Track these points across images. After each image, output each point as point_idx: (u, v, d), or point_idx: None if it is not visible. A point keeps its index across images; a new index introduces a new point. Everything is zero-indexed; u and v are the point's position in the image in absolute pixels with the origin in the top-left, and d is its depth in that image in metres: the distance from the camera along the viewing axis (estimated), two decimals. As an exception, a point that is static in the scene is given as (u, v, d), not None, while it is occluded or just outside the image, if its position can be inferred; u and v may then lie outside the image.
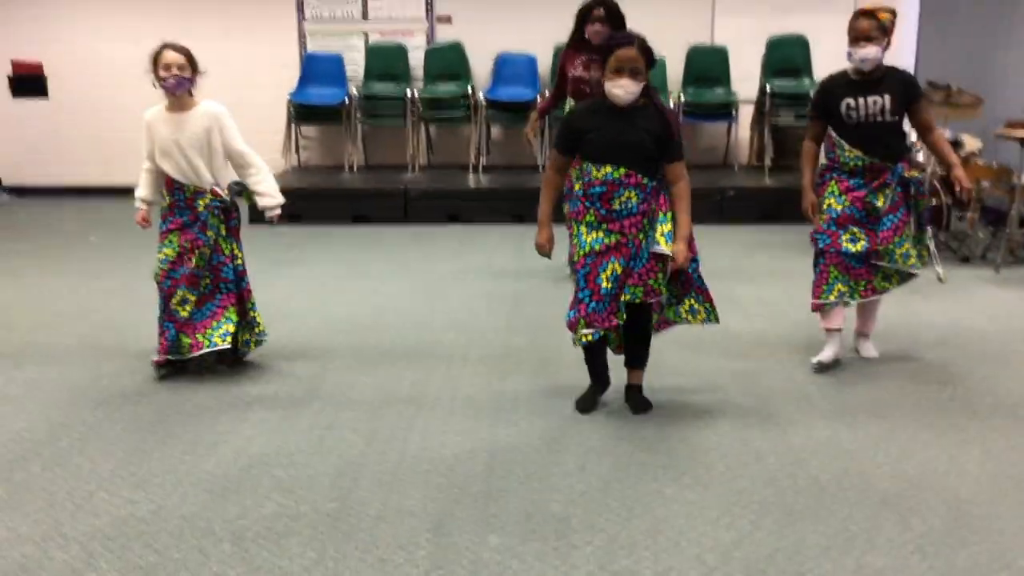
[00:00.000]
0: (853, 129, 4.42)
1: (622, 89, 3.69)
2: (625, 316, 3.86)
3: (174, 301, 4.40)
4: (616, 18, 5.70)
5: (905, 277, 4.61)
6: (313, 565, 2.92)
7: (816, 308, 4.61)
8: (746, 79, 9.01)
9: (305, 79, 9.14)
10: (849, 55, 4.39)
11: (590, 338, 3.86)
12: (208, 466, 3.59)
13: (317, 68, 9.19)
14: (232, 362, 4.66)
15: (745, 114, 9.10)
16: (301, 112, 8.95)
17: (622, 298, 3.81)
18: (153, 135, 4.37)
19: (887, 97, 4.37)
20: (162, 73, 4.25)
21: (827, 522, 3.15)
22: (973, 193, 4.50)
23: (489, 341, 5.05)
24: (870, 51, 4.33)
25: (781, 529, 3.11)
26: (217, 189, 4.42)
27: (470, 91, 8.98)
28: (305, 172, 9.25)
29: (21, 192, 9.70)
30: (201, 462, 3.62)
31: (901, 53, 9.02)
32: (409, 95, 8.98)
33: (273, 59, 9.20)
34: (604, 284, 3.79)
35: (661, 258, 3.80)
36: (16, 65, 9.56)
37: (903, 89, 4.41)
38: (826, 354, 4.63)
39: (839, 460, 3.61)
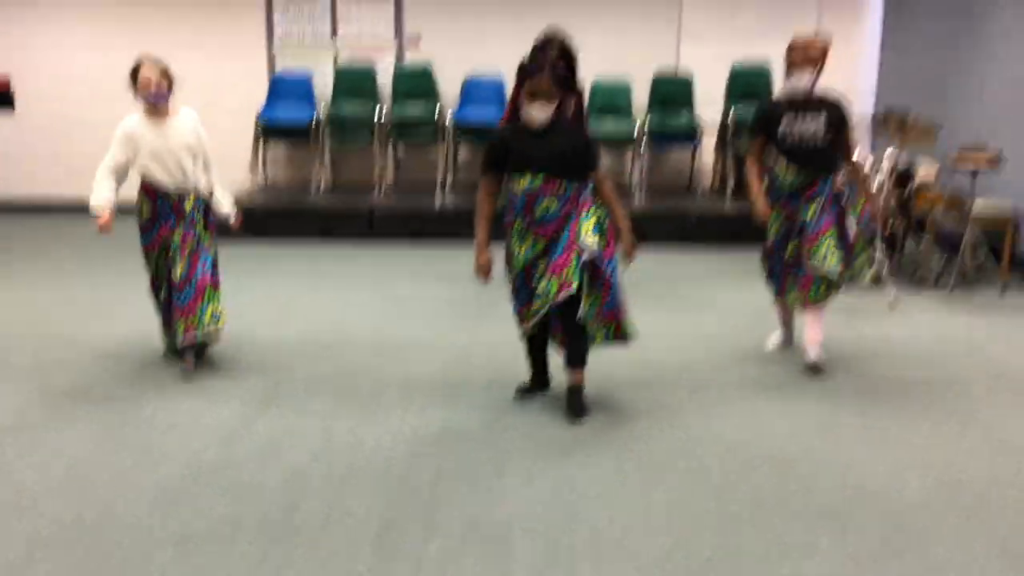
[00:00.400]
0: (788, 150, 4.76)
1: (538, 111, 4.02)
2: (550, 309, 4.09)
3: (176, 268, 4.61)
4: (569, 58, 5.86)
5: (831, 288, 4.86)
6: (257, 566, 2.94)
7: (777, 303, 5.17)
8: (710, 105, 9.13)
9: (273, 98, 9.16)
10: (784, 82, 4.76)
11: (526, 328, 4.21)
12: (157, 475, 3.60)
13: (286, 87, 9.22)
14: (184, 353, 4.79)
15: (709, 140, 9.22)
16: (269, 130, 8.97)
17: (540, 296, 4.05)
18: (138, 143, 4.53)
19: (820, 123, 4.72)
20: (142, 87, 4.47)
21: (766, 531, 3.21)
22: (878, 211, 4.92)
23: (448, 356, 5.09)
24: (803, 78, 4.71)
25: (720, 537, 3.17)
26: (200, 189, 4.67)
27: (438, 112, 9.06)
28: (272, 190, 9.25)
29: (-14, 206, 9.64)
30: (150, 471, 3.63)
31: (861, 80, 9.22)
32: (377, 115, 9.05)
33: (242, 77, 9.23)
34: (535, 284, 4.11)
35: (576, 253, 3.99)
36: (-17, 79, 9.53)
37: (834, 114, 4.75)
38: (775, 338, 5.28)
39: (782, 472, 3.68)
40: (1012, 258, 6.97)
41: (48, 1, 9.36)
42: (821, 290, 4.83)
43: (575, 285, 3.97)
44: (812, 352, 4.93)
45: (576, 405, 4.21)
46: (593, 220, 4.04)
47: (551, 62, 4.13)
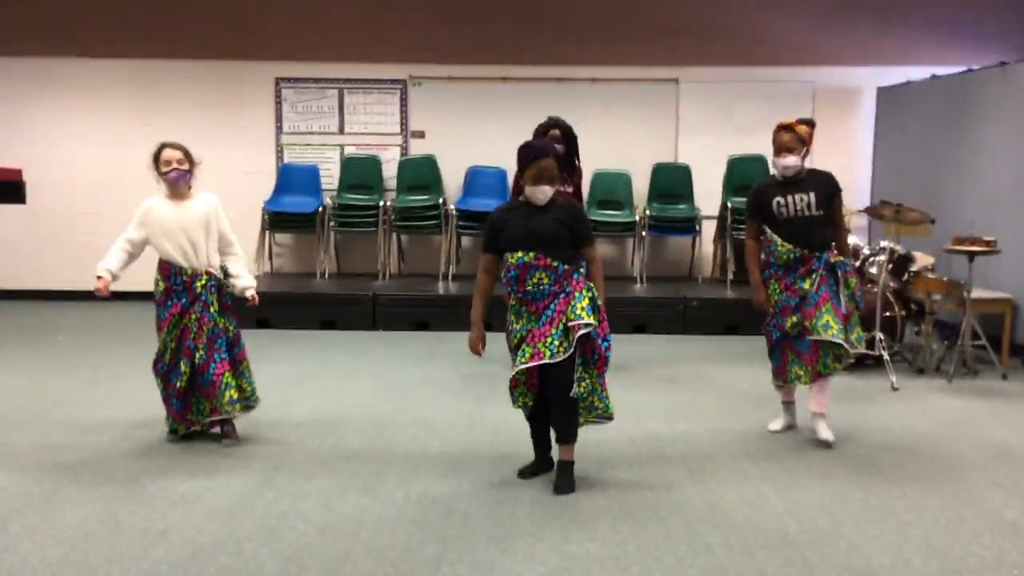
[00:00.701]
0: (784, 224, 4.94)
1: (543, 194, 4.18)
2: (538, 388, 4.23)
3: (173, 373, 4.77)
4: (571, 139, 6.08)
5: (840, 357, 4.94)
6: (254, 647, 2.90)
7: (778, 387, 5.17)
8: (709, 196, 9.32)
9: (280, 188, 9.37)
10: (773, 164, 5.00)
11: (520, 404, 4.31)
12: (156, 554, 3.57)
13: (292, 178, 9.43)
14: (223, 426, 4.96)
15: (708, 229, 9.37)
16: (275, 220, 9.14)
17: (518, 359, 4.15)
18: (155, 220, 4.75)
19: (811, 194, 4.92)
20: (163, 168, 4.71)
21: (770, 611, 3.18)
22: (850, 255, 5.13)
23: (450, 438, 5.09)
24: (790, 160, 4.92)
25: (724, 617, 3.13)
26: (212, 269, 4.80)
27: (441, 202, 9.23)
28: (277, 278, 9.37)
29: (-6, 295, 9.75)
30: (149, 550, 3.61)
31: (856, 173, 9.39)
32: (382, 204, 9.21)
33: (250, 168, 9.43)
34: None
35: (566, 329, 4.09)
36: (-4, 171, 9.73)
37: (825, 187, 4.97)
38: (778, 423, 5.26)
39: (786, 552, 3.65)
40: (1011, 344, 7.02)
41: (62, 96, 9.65)
42: (829, 361, 4.92)
43: (546, 356, 4.06)
44: (823, 431, 5.00)
45: (564, 480, 4.28)
46: (587, 299, 4.12)
47: (552, 146, 4.25)
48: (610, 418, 4.33)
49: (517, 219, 4.18)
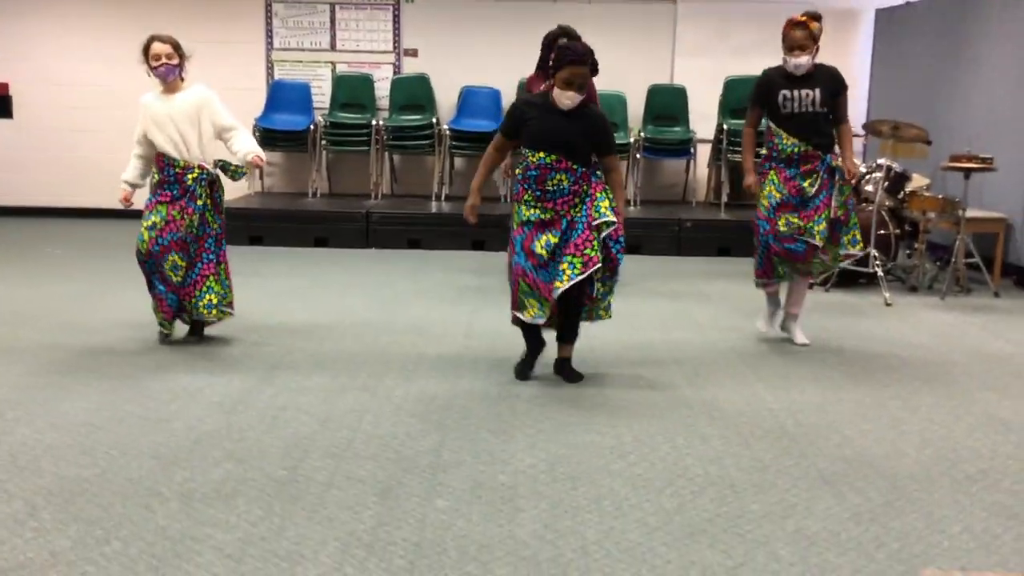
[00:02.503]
0: (788, 119, 4.91)
1: (569, 100, 4.14)
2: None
3: (167, 266, 4.71)
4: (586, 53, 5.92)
5: (828, 265, 5.15)
6: (259, 521, 2.93)
7: (761, 285, 5.20)
8: (704, 119, 9.23)
9: (271, 105, 9.23)
10: (784, 61, 4.93)
11: (531, 315, 4.23)
12: (158, 439, 3.59)
13: (283, 95, 9.29)
14: (199, 331, 5.00)
15: (703, 152, 9.31)
16: (266, 137, 9.01)
17: (564, 272, 4.11)
18: (148, 113, 4.72)
19: (817, 91, 4.88)
20: (152, 63, 4.65)
21: (768, 494, 3.23)
22: (857, 175, 5.10)
23: (445, 344, 5.10)
24: (802, 59, 4.86)
25: (723, 498, 3.18)
26: (204, 164, 4.75)
27: (434, 122, 9.13)
28: (268, 197, 9.29)
29: (-20, 211, 9.65)
30: (150, 435, 3.63)
31: (854, 99, 9.30)
32: (374, 124, 9.11)
33: (240, 84, 9.27)
34: (539, 251, 4.14)
35: (596, 229, 4.14)
36: (-19, 85, 9.58)
37: (831, 83, 4.93)
38: (764, 320, 5.31)
39: (781, 443, 3.70)
40: (1003, 264, 7.05)
41: (47, 9, 9.44)
42: (817, 264, 5.04)
43: (599, 262, 4.12)
44: (799, 335, 5.19)
45: (572, 373, 4.44)
46: (607, 202, 4.17)
47: (588, 51, 4.13)
48: (609, 317, 4.43)
49: (543, 118, 4.15)
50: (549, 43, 5.98)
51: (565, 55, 4.12)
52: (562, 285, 4.12)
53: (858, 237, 5.08)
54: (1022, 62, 7.04)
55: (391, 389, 4.27)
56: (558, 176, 4.13)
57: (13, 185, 9.66)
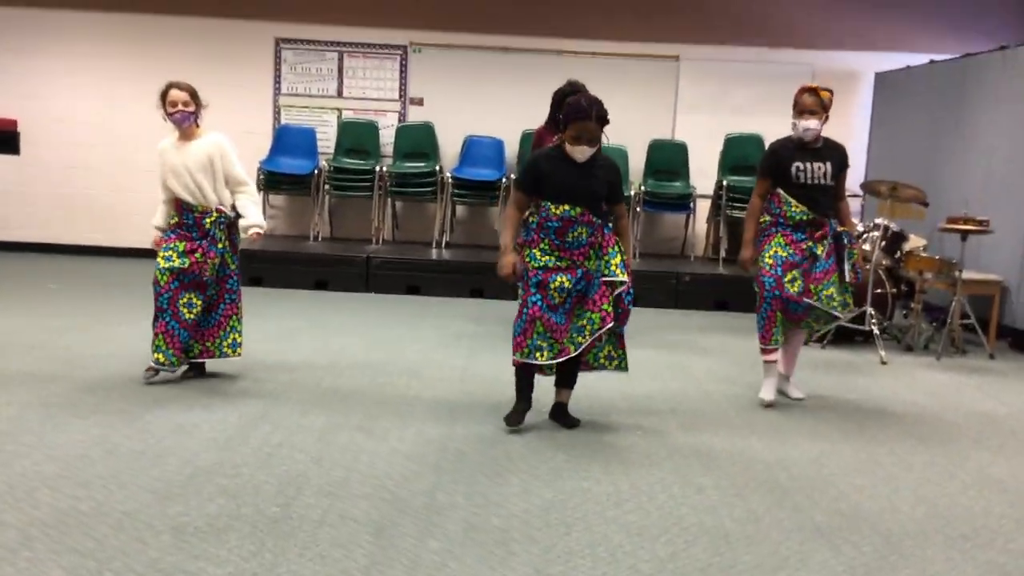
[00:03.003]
0: (800, 189, 4.95)
1: (581, 154, 4.23)
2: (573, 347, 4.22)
3: (181, 302, 4.79)
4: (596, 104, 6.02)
5: (830, 319, 5.17)
6: (251, 556, 2.93)
7: (764, 351, 5.04)
8: (704, 174, 9.34)
9: (277, 149, 9.33)
10: (793, 125, 4.98)
11: (532, 358, 4.23)
12: (153, 473, 3.59)
13: (289, 139, 9.40)
14: (202, 368, 5.07)
15: (703, 208, 9.40)
16: (271, 180, 9.11)
17: (585, 328, 4.19)
18: (164, 160, 4.83)
19: (828, 164, 4.97)
20: (169, 109, 4.77)
21: (761, 545, 3.22)
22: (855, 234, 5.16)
23: (441, 387, 5.11)
24: (812, 123, 4.92)
25: (716, 548, 3.18)
26: (222, 207, 4.85)
27: (438, 169, 9.23)
28: (270, 238, 9.32)
29: (-17, 246, 9.70)
30: (146, 470, 3.63)
31: (852, 156, 9.41)
32: (378, 170, 9.21)
33: (246, 128, 9.36)
34: (553, 293, 4.19)
35: (611, 285, 4.23)
36: (-10, 121, 9.68)
37: (838, 158, 5.05)
38: (768, 390, 5.09)
39: (775, 495, 3.70)
40: (999, 326, 7.08)
41: (59, 48, 9.57)
42: (812, 322, 5.11)
43: (611, 321, 4.21)
44: (794, 391, 5.24)
45: (570, 418, 4.49)
46: (619, 258, 4.26)
47: (595, 105, 4.21)
48: (626, 370, 4.45)
49: (563, 172, 4.22)
50: (560, 99, 6.08)
51: (570, 112, 4.21)
52: (584, 341, 4.19)
53: (849, 301, 5.09)
54: (1018, 127, 7.15)
55: (387, 430, 4.28)
56: (579, 229, 4.20)
57: (18, 221, 9.71)
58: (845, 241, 5.01)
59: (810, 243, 4.93)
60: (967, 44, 8.80)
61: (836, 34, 9.47)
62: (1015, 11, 9.25)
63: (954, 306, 6.77)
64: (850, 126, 9.54)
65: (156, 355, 4.83)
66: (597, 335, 4.20)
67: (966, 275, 6.80)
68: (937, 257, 7.00)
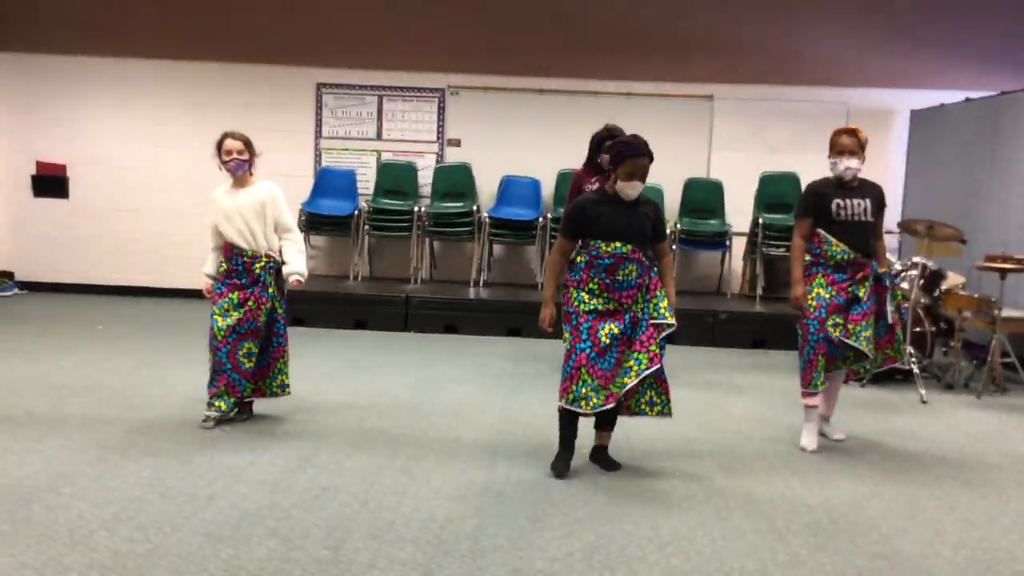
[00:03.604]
0: (840, 227, 4.99)
1: (635, 191, 4.33)
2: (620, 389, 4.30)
3: (241, 354, 4.96)
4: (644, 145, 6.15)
5: (874, 365, 5.17)
6: (304, 599, 3.01)
7: (806, 395, 5.04)
8: (740, 212, 9.41)
9: (318, 191, 9.53)
10: (833, 165, 5.03)
11: (592, 404, 4.26)
12: (205, 515, 3.69)
13: (330, 181, 9.60)
14: (250, 409, 5.22)
15: (739, 245, 9.45)
16: (312, 221, 9.29)
17: (632, 369, 4.26)
18: (218, 206, 5.01)
19: (868, 201, 5.03)
20: (224, 158, 4.98)
21: (804, 589, 3.25)
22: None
23: (482, 428, 5.19)
24: (852, 163, 4.99)
25: (759, 592, 3.21)
26: (271, 253, 5.03)
27: (475, 209, 9.37)
28: (311, 279, 9.42)
29: (33, 287, 9.94)
30: (198, 512, 3.73)
31: (888, 195, 9.42)
32: (416, 210, 9.36)
33: (289, 170, 9.57)
34: (603, 339, 4.24)
35: (657, 328, 4.31)
36: (40, 165, 9.97)
37: (877, 196, 5.12)
38: (810, 437, 5.08)
39: (818, 539, 3.72)
40: (1040, 363, 7.04)
41: (107, 95, 9.87)
42: (865, 366, 5.12)
43: (662, 360, 4.29)
44: (835, 432, 5.24)
45: (610, 461, 4.54)
46: (665, 301, 4.35)
47: (646, 144, 4.34)
48: (669, 415, 4.46)
49: (611, 212, 4.32)
50: (598, 143, 6.21)
51: (625, 150, 4.31)
52: (630, 381, 4.26)
53: (902, 349, 5.17)
54: (1056, 165, 7.14)
55: (429, 472, 4.36)
56: (630, 267, 4.27)
57: (66, 263, 9.98)
58: (887, 283, 5.05)
59: (852, 285, 4.96)
60: (1003, 81, 8.82)
61: (871, 72, 9.52)
62: (1050, 48, 9.26)
63: (994, 344, 6.75)
64: (886, 164, 9.58)
65: (219, 403, 4.99)
66: (643, 376, 4.25)
67: (1006, 313, 6.79)
68: (976, 295, 6.99)
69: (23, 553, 3.27)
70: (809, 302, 4.98)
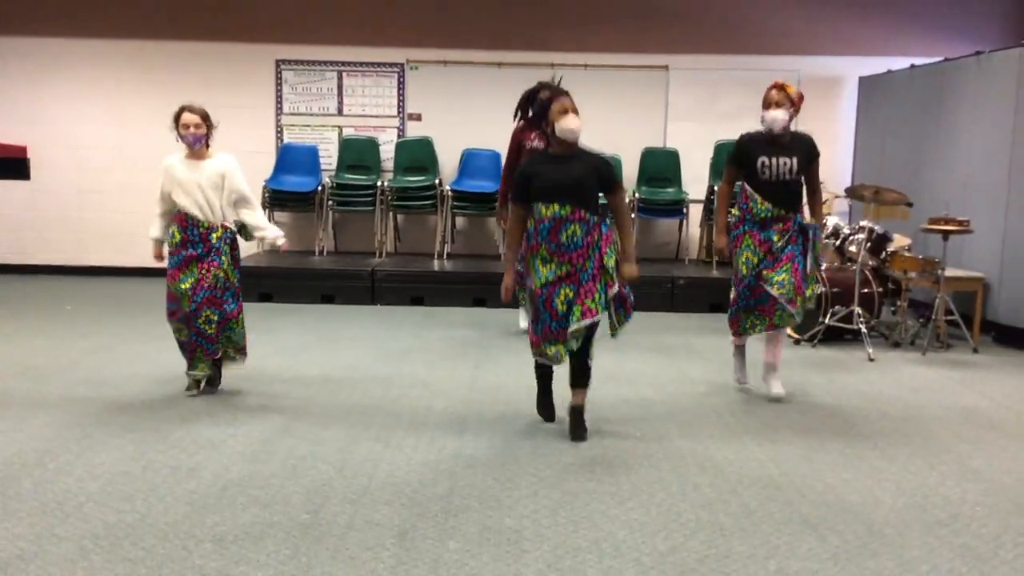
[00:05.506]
0: (764, 183, 5.22)
1: (573, 122, 4.45)
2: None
3: (200, 321, 5.10)
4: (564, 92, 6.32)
5: (791, 316, 5.34)
6: (288, 560, 3.21)
7: (735, 338, 5.56)
8: (696, 180, 9.65)
9: (280, 167, 9.62)
10: (762, 118, 5.27)
11: (551, 354, 4.53)
12: (189, 486, 3.87)
13: (292, 157, 9.69)
14: (217, 381, 5.37)
15: (695, 212, 9.69)
16: (275, 198, 9.39)
17: (574, 314, 4.42)
18: (173, 177, 5.12)
19: (794, 159, 5.23)
20: (182, 131, 5.10)
21: (753, 536, 3.51)
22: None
23: (451, 397, 5.39)
24: (778, 114, 5.19)
25: (712, 541, 3.46)
26: (227, 223, 5.17)
27: (437, 183, 9.51)
28: (277, 255, 9.58)
29: (-2, 269, 9.98)
30: (182, 483, 3.91)
31: (838, 161, 9.74)
32: (379, 185, 9.49)
33: (250, 147, 9.64)
34: (559, 307, 4.44)
35: (597, 281, 4.45)
36: (1, 148, 9.93)
37: (806, 151, 5.28)
38: (739, 374, 5.64)
39: (768, 491, 3.99)
40: (982, 321, 7.37)
41: (67, 75, 9.85)
42: (785, 316, 5.29)
43: (598, 314, 4.43)
44: (775, 386, 5.45)
45: (579, 425, 4.64)
46: (615, 258, 4.49)
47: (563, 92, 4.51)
48: (612, 335, 4.66)
49: (551, 169, 4.43)
50: (529, 95, 6.44)
51: (548, 97, 4.57)
52: (573, 334, 4.45)
53: (814, 293, 5.46)
54: (996, 130, 7.44)
55: (402, 439, 4.56)
56: (571, 227, 4.39)
57: (30, 244, 10.00)
58: (811, 235, 5.28)
59: (770, 235, 5.20)
60: (948, 48, 9.12)
61: (821, 39, 9.77)
62: (993, 16, 9.56)
63: (938, 303, 7.06)
64: (836, 130, 9.86)
65: (197, 369, 5.21)
66: (580, 326, 4.41)
67: (949, 272, 7.10)
68: (921, 257, 7.29)
69: (17, 526, 3.44)
70: (739, 265, 5.29)
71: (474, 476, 4.07)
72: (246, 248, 8.17)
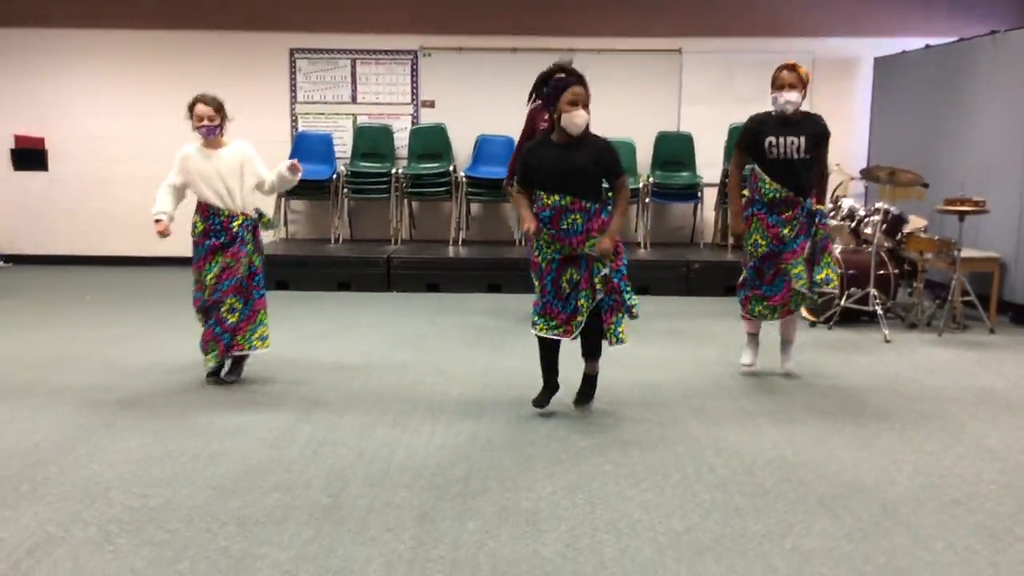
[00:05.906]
0: (773, 165, 5.21)
1: (580, 118, 4.45)
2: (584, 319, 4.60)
3: (223, 309, 5.15)
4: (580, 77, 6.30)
5: (805, 299, 5.48)
6: (310, 542, 3.27)
7: (748, 325, 5.59)
8: (710, 164, 9.64)
9: (295, 155, 9.62)
10: (773, 100, 5.25)
11: (544, 333, 4.65)
12: (212, 471, 3.94)
13: (307, 146, 9.73)
14: (239, 370, 5.40)
15: (710, 196, 9.69)
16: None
17: (583, 306, 4.56)
18: (190, 167, 5.17)
19: (802, 138, 5.20)
20: (196, 123, 5.14)
21: (768, 516, 3.55)
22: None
23: (467, 383, 5.43)
24: (791, 96, 5.17)
25: (727, 520, 3.50)
26: (247, 211, 5.21)
27: (451, 169, 9.55)
28: (293, 243, 9.70)
29: (17, 260, 10.06)
30: (205, 468, 3.98)
31: (853, 142, 9.70)
32: (394, 172, 9.53)
33: (265, 136, 9.66)
34: (565, 287, 4.56)
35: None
36: (19, 139, 10.03)
37: (815, 130, 5.25)
38: (747, 357, 5.60)
39: (783, 471, 4.02)
40: (999, 301, 7.36)
41: (83, 66, 9.92)
42: (797, 299, 5.38)
43: (601, 294, 4.56)
44: (787, 362, 5.56)
45: (589, 390, 4.78)
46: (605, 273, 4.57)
47: (578, 77, 4.46)
48: (622, 342, 4.69)
49: (554, 157, 4.48)
50: (545, 78, 6.40)
51: (560, 82, 4.48)
52: (581, 319, 4.56)
53: (831, 276, 5.43)
54: (1010, 109, 7.41)
55: (419, 424, 4.61)
56: (572, 216, 4.48)
57: (49, 235, 10.10)
58: (817, 219, 5.29)
59: (780, 226, 5.22)
60: (963, 28, 9.06)
61: (835, 20, 9.72)
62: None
63: (954, 283, 7.04)
64: (851, 112, 9.82)
65: (208, 359, 5.23)
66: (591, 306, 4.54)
67: (965, 253, 7.08)
68: (936, 237, 7.28)
69: (44, 511, 3.51)
70: (747, 248, 5.34)
71: (491, 459, 4.12)
72: (263, 236, 8.24)
